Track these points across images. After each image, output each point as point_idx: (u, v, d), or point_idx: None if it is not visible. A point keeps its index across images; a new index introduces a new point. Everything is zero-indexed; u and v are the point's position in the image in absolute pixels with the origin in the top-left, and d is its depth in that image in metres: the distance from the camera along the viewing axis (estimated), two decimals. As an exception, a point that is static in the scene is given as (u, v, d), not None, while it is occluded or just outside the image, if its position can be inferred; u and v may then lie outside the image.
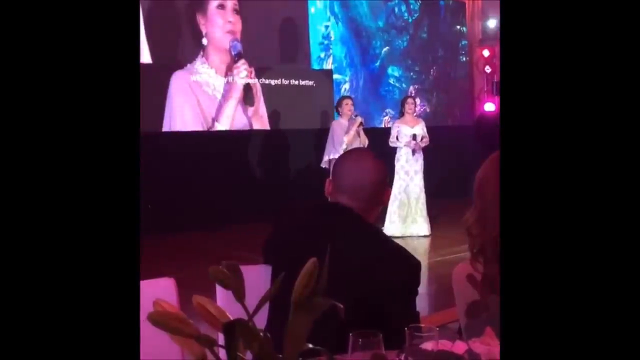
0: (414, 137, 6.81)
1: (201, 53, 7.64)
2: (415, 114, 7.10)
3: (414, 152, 6.81)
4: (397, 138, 6.86)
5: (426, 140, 6.86)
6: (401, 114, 7.03)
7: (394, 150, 6.87)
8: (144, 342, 1.03)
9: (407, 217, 6.81)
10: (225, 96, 7.82)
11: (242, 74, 7.96)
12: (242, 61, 7.93)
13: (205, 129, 7.64)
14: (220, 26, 7.78)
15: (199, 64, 7.62)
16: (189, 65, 7.55)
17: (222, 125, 7.79)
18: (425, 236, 6.80)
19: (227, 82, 7.87)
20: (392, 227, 6.72)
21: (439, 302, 4.28)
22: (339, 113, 6.82)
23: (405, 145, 6.81)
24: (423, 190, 6.86)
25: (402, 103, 7.08)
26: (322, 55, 9.00)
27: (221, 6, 7.80)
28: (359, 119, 6.66)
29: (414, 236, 6.74)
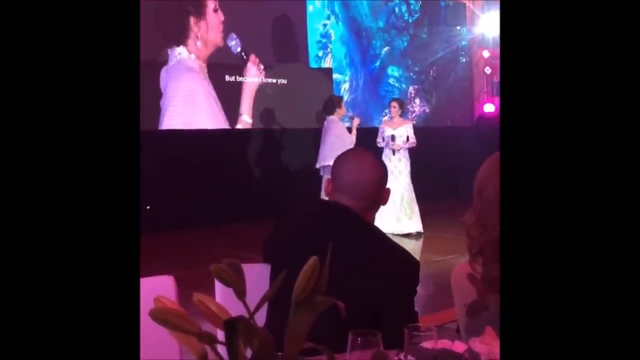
0: (392, 137, 6.97)
1: (194, 49, 7.65)
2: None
3: (394, 152, 6.93)
4: (383, 139, 7.03)
5: (412, 142, 6.98)
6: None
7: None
8: (142, 338, 1.03)
9: (399, 218, 6.85)
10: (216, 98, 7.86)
11: (252, 71, 8.04)
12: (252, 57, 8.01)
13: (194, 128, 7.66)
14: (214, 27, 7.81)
15: (192, 62, 7.63)
16: (180, 61, 7.55)
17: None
18: (408, 234, 6.85)
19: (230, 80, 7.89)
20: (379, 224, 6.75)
21: (435, 302, 4.28)
22: (333, 112, 6.78)
23: (385, 146, 6.98)
24: (409, 190, 6.97)
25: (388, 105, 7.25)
26: (320, 53, 9.01)
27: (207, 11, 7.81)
28: (357, 120, 6.78)
29: (399, 234, 6.75)
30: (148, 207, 6.45)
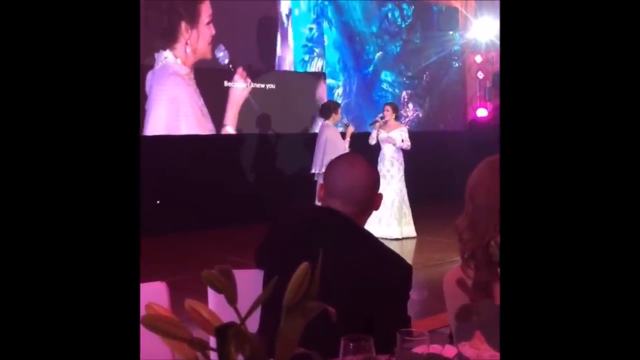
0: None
1: (182, 55, 7.65)
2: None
3: (378, 146, 7.00)
4: (376, 138, 7.10)
5: (407, 145, 6.99)
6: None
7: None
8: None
9: (381, 219, 6.83)
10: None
11: (239, 83, 8.03)
12: (240, 70, 7.98)
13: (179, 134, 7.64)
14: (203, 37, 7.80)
15: (178, 67, 7.62)
16: (166, 65, 7.53)
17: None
18: (399, 239, 6.84)
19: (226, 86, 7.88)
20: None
21: (428, 307, 4.28)
22: (328, 117, 6.80)
23: (381, 142, 7.01)
24: (401, 194, 6.96)
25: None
26: (306, 57, 8.99)
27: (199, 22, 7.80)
28: (352, 128, 6.83)
29: (390, 239, 6.74)
30: (158, 202, 6.61)
